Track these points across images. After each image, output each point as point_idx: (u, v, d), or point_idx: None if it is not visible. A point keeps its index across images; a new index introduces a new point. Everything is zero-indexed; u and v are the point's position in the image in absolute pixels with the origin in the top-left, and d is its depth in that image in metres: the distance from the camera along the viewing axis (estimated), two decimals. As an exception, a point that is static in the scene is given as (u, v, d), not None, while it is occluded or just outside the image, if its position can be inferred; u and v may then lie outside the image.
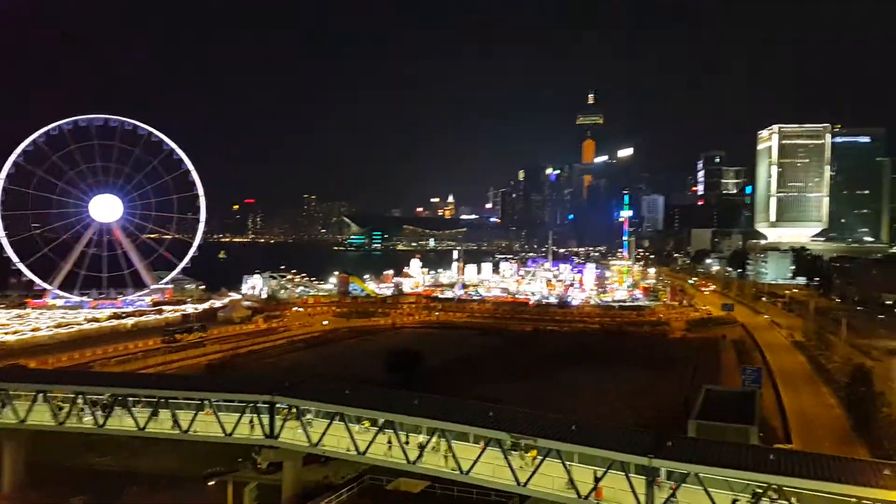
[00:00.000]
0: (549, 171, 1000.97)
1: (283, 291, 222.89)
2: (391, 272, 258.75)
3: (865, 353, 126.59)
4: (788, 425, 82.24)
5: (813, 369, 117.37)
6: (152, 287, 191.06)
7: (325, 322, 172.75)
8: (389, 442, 49.33)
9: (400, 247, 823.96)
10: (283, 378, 64.89)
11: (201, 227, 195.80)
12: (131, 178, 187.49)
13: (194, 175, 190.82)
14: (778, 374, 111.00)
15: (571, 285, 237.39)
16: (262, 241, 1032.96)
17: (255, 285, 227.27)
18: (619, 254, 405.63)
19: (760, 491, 38.39)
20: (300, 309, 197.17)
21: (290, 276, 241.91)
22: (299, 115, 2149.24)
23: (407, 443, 48.67)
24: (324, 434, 51.80)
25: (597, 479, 41.85)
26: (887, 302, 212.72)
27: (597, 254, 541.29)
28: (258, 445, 55.32)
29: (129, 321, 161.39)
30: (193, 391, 58.07)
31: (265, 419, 53.99)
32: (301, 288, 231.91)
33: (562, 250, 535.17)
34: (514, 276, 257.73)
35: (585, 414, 67.50)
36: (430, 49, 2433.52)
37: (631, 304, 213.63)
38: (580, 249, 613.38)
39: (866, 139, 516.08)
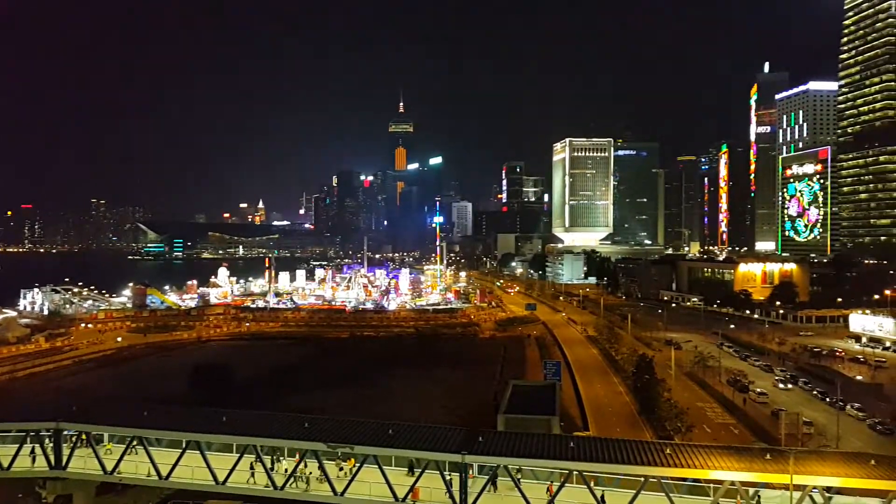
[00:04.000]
0: (362, 177, 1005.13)
1: (68, 306, 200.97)
2: (195, 282, 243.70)
3: (647, 344, 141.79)
4: (585, 413, 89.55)
5: (604, 361, 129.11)
6: None
7: (119, 339, 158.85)
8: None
9: (205, 255, 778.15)
10: (70, 402, 58.30)
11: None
12: None
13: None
14: (575, 367, 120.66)
15: (387, 291, 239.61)
16: (43, 250, 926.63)
17: (35, 300, 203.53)
18: (432, 258, 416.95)
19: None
20: (89, 325, 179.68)
21: (76, 290, 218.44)
22: (87, 111, 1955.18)
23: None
24: (120, 460, 47.31)
25: (385, 480, 42.32)
26: (664, 298, 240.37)
27: (411, 259, 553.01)
28: (42, 478, 49.18)
29: None
30: (-42, 424, 50.24)
31: (50, 449, 48.17)
32: (90, 302, 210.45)
33: (377, 256, 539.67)
34: (329, 283, 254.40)
35: (403, 417, 68.16)
36: (238, 46, 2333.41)
37: (444, 307, 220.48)
38: (395, 255, 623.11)
39: (644, 153, 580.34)
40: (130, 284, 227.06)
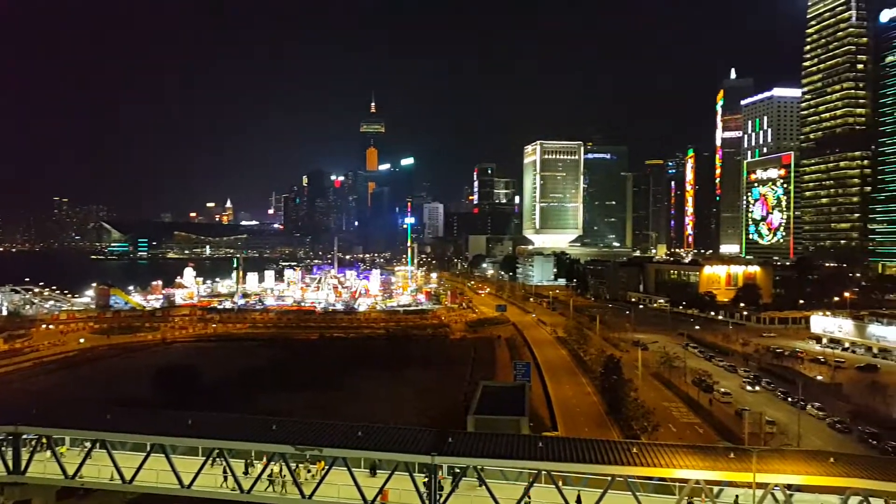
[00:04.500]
0: (333, 177, 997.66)
1: (28, 307, 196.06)
2: (160, 282, 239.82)
3: (615, 345, 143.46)
4: (554, 413, 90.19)
5: (573, 361, 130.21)
6: None
7: (82, 340, 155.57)
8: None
9: (171, 255, 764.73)
10: (31, 405, 57.00)
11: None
12: None
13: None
14: (544, 367, 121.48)
15: (358, 292, 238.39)
16: (2, 249, 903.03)
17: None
18: (403, 259, 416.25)
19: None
20: (50, 326, 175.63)
21: (37, 290, 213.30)
22: (50, 108, 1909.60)
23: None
24: (82, 464, 46.26)
25: (353, 483, 42.12)
26: (632, 299, 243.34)
27: (382, 260, 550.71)
28: (0, 483, 47.86)
29: None
30: None
31: (8, 453, 46.97)
32: (51, 303, 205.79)
33: (347, 257, 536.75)
34: (299, 284, 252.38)
35: (373, 418, 67.86)
36: (207, 44, 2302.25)
37: (415, 308, 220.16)
38: (366, 256, 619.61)
39: (612, 156, 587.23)
40: (93, 284, 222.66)
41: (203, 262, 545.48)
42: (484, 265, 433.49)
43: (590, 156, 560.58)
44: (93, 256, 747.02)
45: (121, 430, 47.39)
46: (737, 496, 40.04)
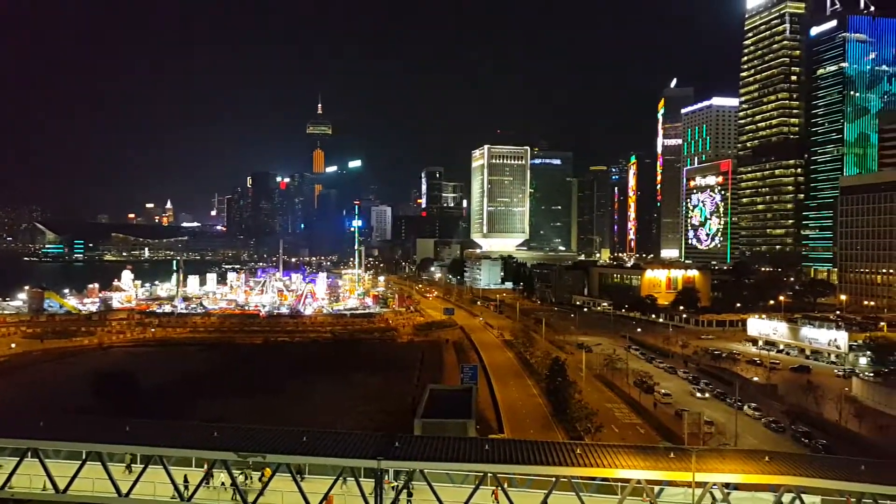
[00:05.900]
0: (278, 178, 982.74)
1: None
2: (97, 285, 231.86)
3: (560, 347, 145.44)
4: (501, 416, 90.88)
5: (520, 364, 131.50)
6: None
7: (13, 345, 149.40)
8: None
9: (108, 257, 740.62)
10: (-46, 414, 54.37)
11: None
12: None
13: None
14: (491, 370, 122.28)
15: (304, 295, 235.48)
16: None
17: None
18: (350, 262, 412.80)
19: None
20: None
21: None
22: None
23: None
24: (11, 474, 44.23)
25: (298, 489, 41.67)
26: (577, 302, 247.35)
27: (329, 263, 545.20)
28: (-81, 499, 45.42)
29: None
30: None
31: (-71, 466, 44.54)
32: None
33: (293, 259, 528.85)
34: (242, 287, 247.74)
35: (319, 423, 67.21)
36: (145, 42, 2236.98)
37: (362, 311, 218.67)
38: (312, 258, 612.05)
39: (558, 161, 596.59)
40: (26, 287, 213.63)
41: (142, 265, 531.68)
42: (432, 268, 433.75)
43: (536, 161, 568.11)
44: (26, 258, 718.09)
45: (54, 437, 45.53)
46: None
